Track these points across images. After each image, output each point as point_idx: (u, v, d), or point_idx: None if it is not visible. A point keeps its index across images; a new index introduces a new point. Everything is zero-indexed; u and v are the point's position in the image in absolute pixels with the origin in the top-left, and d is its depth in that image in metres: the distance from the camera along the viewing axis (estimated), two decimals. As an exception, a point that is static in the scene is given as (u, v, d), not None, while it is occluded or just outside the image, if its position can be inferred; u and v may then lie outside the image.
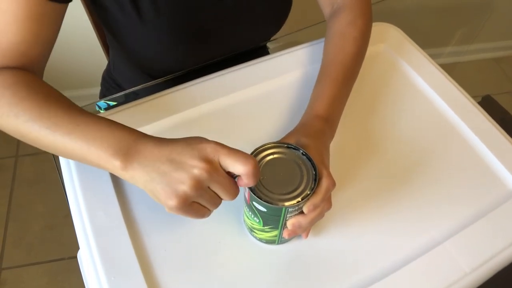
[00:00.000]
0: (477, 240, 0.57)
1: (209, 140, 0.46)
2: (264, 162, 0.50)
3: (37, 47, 0.57)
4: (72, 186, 0.59)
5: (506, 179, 0.64)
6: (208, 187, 0.46)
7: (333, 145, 0.59)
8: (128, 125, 0.51)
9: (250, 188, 0.48)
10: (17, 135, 0.53)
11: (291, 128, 0.60)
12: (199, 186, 0.44)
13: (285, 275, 0.55)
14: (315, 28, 0.85)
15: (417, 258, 0.55)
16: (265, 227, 0.52)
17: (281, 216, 0.49)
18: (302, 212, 0.50)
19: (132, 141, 0.48)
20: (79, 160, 0.51)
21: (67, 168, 0.61)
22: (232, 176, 0.47)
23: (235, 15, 0.78)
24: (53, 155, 0.59)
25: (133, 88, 0.82)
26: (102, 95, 1.00)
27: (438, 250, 0.56)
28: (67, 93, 0.54)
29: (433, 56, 0.78)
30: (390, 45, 0.80)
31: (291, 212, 0.49)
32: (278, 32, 0.88)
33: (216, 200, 0.48)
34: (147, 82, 0.81)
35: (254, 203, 0.49)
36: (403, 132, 0.69)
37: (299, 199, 0.48)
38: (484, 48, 2.00)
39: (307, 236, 0.56)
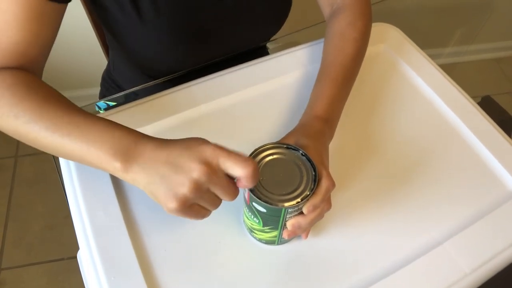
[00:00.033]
0: (477, 241, 0.57)
1: (208, 142, 0.46)
2: (264, 162, 0.50)
3: (36, 47, 0.57)
4: (72, 186, 0.59)
5: (506, 180, 0.64)
6: (208, 189, 0.46)
7: (332, 146, 0.59)
8: (128, 125, 0.51)
9: (250, 189, 0.48)
10: (16, 136, 0.53)
11: (291, 128, 0.60)
12: (199, 188, 0.44)
13: (284, 275, 0.55)
14: (315, 29, 0.85)
15: (417, 259, 0.55)
16: (265, 228, 0.52)
17: (280, 216, 0.49)
18: (301, 213, 0.50)
19: (132, 142, 0.48)
20: (79, 161, 0.51)
21: (67, 168, 0.61)
22: (232, 177, 0.47)
23: (235, 15, 0.78)
24: (53, 155, 0.59)
25: (133, 89, 0.82)
26: (102, 96, 1.00)
27: (438, 250, 0.56)
28: (67, 93, 0.54)
29: (432, 57, 0.78)
30: (390, 45, 0.80)
31: (291, 212, 0.49)
32: (278, 32, 0.88)
33: (216, 201, 0.48)
34: (147, 82, 0.81)
35: (253, 203, 0.49)
36: (402, 132, 0.69)
37: (299, 199, 0.48)
38: (484, 49, 2.00)
39: (306, 236, 0.56)
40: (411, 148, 0.67)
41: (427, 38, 0.99)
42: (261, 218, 0.51)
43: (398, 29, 0.83)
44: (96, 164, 0.49)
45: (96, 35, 1.00)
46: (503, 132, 0.68)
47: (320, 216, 0.52)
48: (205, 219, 0.50)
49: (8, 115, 0.51)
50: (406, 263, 0.55)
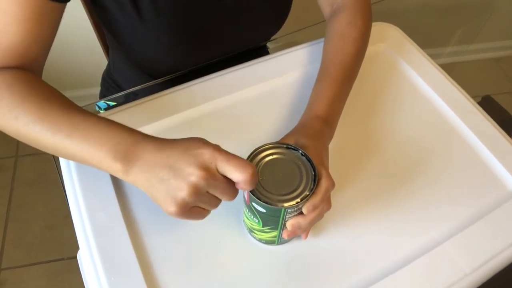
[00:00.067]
0: (477, 241, 0.57)
1: (207, 145, 0.46)
2: (264, 162, 0.50)
3: (36, 46, 0.57)
4: (72, 187, 0.59)
5: (506, 180, 0.64)
6: (207, 192, 0.46)
7: (332, 146, 0.59)
8: (128, 125, 0.51)
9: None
10: (17, 137, 0.53)
11: (291, 128, 0.60)
12: (197, 192, 0.44)
13: (284, 275, 0.55)
14: (315, 28, 0.85)
15: (417, 259, 0.55)
16: (265, 228, 0.52)
17: (280, 217, 0.49)
18: (301, 213, 0.50)
19: (131, 144, 0.48)
20: (81, 162, 0.51)
21: (67, 168, 0.61)
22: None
23: (235, 15, 0.77)
24: (53, 155, 0.59)
25: (133, 88, 0.82)
26: (102, 95, 1.00)
27: (438, 250, 0.56)
28: (67, 93, 0.54)
29: (433, 56, 0.78)
30: (390, 45, 0.80)
31: (291, 213, 0.49)
32: (278, 32, 0.88)
33: (216, 202, 0.48)
34: (147, 82, 0.81)
35: (253, 204, 0.49)
36: (402, 132, 0.69)
37: (298, 200, 0.48)
38: (484, 48, 2.00)
39: (306, 236, 0.56)
40: (411, 148, 0.67)
41: (427, 38, 0.99)
42: (260, 218, 0.51)
43: (398, 29, 0.82)
44: (97, 166, 0.49)
45: (96, 35, 1.00)
46: (503, 132, 0.68)
47: (320, 216, 0.52)
48: (205, 220, 0.50)
49: (9, 116, 0.51)
50: (406, 263, 0.55)
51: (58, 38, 0.60)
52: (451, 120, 0.70)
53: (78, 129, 0.49)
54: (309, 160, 0.50)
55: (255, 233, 0.55)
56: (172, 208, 0.45)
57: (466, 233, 0.57)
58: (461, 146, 0.67)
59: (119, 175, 0.48)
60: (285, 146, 0.51)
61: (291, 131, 0.59)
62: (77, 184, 0.59)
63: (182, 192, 0.44)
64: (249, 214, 0.52)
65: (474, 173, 0.65)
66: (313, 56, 0.76)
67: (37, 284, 1.38)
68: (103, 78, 1.00)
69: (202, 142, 0.46)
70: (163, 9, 0.68)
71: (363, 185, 0.62)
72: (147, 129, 0.64)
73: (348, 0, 0.71)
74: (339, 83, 0.64)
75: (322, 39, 0.73)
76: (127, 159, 0.47)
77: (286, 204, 0.48)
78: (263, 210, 0.49)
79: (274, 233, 0.53)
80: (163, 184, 0.45)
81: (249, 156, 0.50)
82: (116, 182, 0.60)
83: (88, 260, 0.53)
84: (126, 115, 0.67)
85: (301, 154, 0.51)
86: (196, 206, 0.47)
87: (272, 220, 0.50)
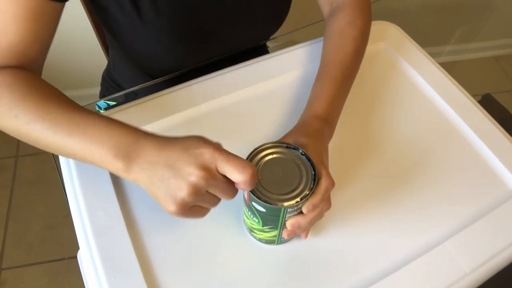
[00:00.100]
0: (477, 240, 0.57)
1: (207, 144, 0.46)
2: (263, 162, 0.50)
3: (35, 46, 0.57)
4: (72, 186, 0.59)
5: (506, 179, 0.64)
6: (206, 191, 0.46)
7: (332, 145, 0.59)
8: (128, 125, 0.51)
9: (249, 189, 0.48)
10: (18, 136, 0.53)
11: (291, 127, 0.60)
12: (197, 192, 0.45)
13: (284, 275, 0.55)
14: (314, 27, 0.85)
15: (417, 258, 0.55)
16: (265, 227, 0.52)
17: (280, 216, 0.49)
18: (301, 212, 0.50)
19: (132, 142, 0.48)
20: (82, 160, 0.51)
21: (67, 167, 0.61)
22: None
23: (235, 15, 0.77)
24: (52, 154, 0.59)
25: (133, 88, 0.82)
26: (102, 95, 1.00)
27: (438, 250, 0.56)
28: (67, 93, 0.54)
29: (433, 55, 0.78)
30: (390, 43, 0.80)
31: (290, 212, 0.49)
32: (278, 31, 0.88)
33: (215, 200, 0.48)
34: (147, 82, 0.81)
35: (253, 203, 0.49)
36: (402, 131, 0.69)
37: (298, 199, 0.48)
38: (484, 47, 2.00)
39: (306, 236, 0.56)
40: (411, 147, 0.67)
41: (427, 37, 0.99)
42: (260, 218, 0.51)
43: (398, 27, 0.82)
44: (99, 164, 0.49)
45: (96, 35, 1.00)
46: (503, 131, 0.68)
47: (319, 215, 0.52)
48: (205, 219, 0.50)
49: (9, 115, 0.51)
50: (406, 263, 0.55)
51: (58, 38, 0.60)
52: (451, 119, 0.70)
53: (79, 127, 0.49)
54: (309, 159, 0.50)
55: (255, 232, 0.55)
56: (172, 207, 0.45)
57: (466, 232, 0.57)
58: (461, 145, 0.67)
59: (120, 173, 0.48)
60: (285, 145, 0.51)
61: (290, 131, 0.58)
62: (77, 183, 0.59)
63: (182, 191, 0.44)
64: (249, 213, 0.52)
65: (474, 172, 0.65)
66: (312, 55, 0.76)
67: (37, 284, 1.38)
68: (103, 78, 1.00)
69: (202, 141, 0.46)
70: (163, 9, 0.68)
71: (362, 185, 0.62)
72: (147, 129, 0.63)
73: (348, -1, 0.71)
74: (338, 82, 0.64)
75: (322, 38, 0.73)
76: (128, 157, 0.47)
77: (286, 204, 0.48)
78: (263, 210, 0.49)
79: (274, 233, 0.53)
80: (163, 182, 0.45)
81: (249, 156, 0.50)
82: (116, 182, 0.60)
83: (88, 259, 0.53)
84: (126, 114, 0.67)
85: (301, 153, 0.51)
86: (196, 205, 0.47)
87: (272, 220, 0.50)
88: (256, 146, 0.51)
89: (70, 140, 0.49)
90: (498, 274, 0.55)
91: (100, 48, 1.03)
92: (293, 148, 0.51)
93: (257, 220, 0.52)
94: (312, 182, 0.49)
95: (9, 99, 0.51)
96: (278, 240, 0.55)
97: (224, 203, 0.49)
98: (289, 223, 0.50)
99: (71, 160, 0.61)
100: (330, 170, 0.53)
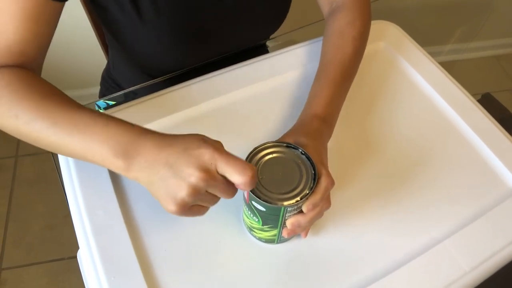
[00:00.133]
0: (477, 239, 0.57)
1: (207, 144, 0.45)
2: (263, 161, 0.50)
3: (35, 46, 0.57)
4: (72, 185, 0.59)
5: (506, 178, 0.64)
6: (206, 191, 0.46)
7: (331, 144, 0.59)
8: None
9: (249, 188, 0.48)
10: (17, 135, 0.53)
11: (291, 127, 0.60)
12: (197, 193, 0.45)
13: (284, 274, 0.55)
14: (314, 27, 0.85)
15: (416, 257, 0.55)
16: (264, 227, 0.52)
17: (280, 215, 0.49)
18: (301, 211, 0.50)
19: (131, 140, 0.48)
20: (83, 159, 0.51)
21: (66, 166, 0.61)
22: None
23: (235, 15, 0.77)
24: (52, 154, 0.59)
25: (133, 88, 0.82)
26: (102, 95, 1.00)
27: (437, 249, 0.56)
28: (67, 93, 0.54)
29: (432, 54, 0.78)
30: (390, 43, 0.80)
31: (290, 211, 0.49)
32: (278, 31, 0.88)
33: (215, 199, 0.48)
34: (146, 82, 0.81)
35: (253, 202, 0.49)
36: (402, 130, 0.69)
37: (298, 198, 0.48)
38: (484, 46, 2.00)
39: (306, 235, 0.56)
40: (411, 147, 0.67)
41: (427, 36, 0.99)
42: (260, 217, 0.51)
43: (397, 27, 0.82)
44: (99, 163, 0.49)
45: (96, 35, 1.00)
46: (503, 130, 0.68)
47: (319, 214, 0.52)
48: (205, 218, 0.50)
49: (8, 115, 0.51)
50: (406, 262, 0.55)
51: (58, 38, 0.60)
52: (451, 118, 0.70)
53: (79, 126, 0.49)
54: (309, 158, 0.50)
55: (254, 231, 0.55)
56: (172, 207, 0.45)
57: (466, 231, 0.57)
58: (461, 144, 0.67)
59: (120, 172, 0.48)
60: (285, 144, 0.51)
61: (290, 130, 0.58)
62: (77, 182, 0.59)
63: (182, 192, 0.44)
64: (249, 212, 0.52)
65: (474, 171, 0.65)
66: (312, 54, 0.76)
67: (37, 284, 1.38)
68: (103, 77, 1.00)
69: (202, 141, 0.46)
70: (163, 9, 0.68)
71: (362, 184, 0.62)
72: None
73: (348, -1, 0.71)
74: (337, 82, 0.64)
75: (321, 38, 0.73)
76: (127, 155, 0.47)
77: (286, 203, 0.48)
78: (263, 209, 0.49)
79: (274, 232, 0.53)
80: (163, 182, 0.45)
81: (249, 155, 0.50)
82: (116, 181, 0.60)
83: (88, 259, 0.53)
84: (126, 114, 0.66)
85: (301, 153, 0.51)
86: (196, 204, 0.47)
87: (272, 219, 0.50)
88: (256, 145, 0.51)
89: (70, 140, 0.49)
90: (498, 273, 0.55)
91: (100, 48, 1.03)
92: (293, 148, 0.51)
93: (257, 219, 0.52)
94: (312, 181, 0.49)
95: (9, 98, 0.51)
96: (278, 239, 0.55)
97: (224, 202, 0.49)
98: (289, 222, 0.50)
99: (70, 159, 0.61)
100: (330, 169, 0.53)
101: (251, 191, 0.48)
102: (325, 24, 0.73)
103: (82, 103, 0.55)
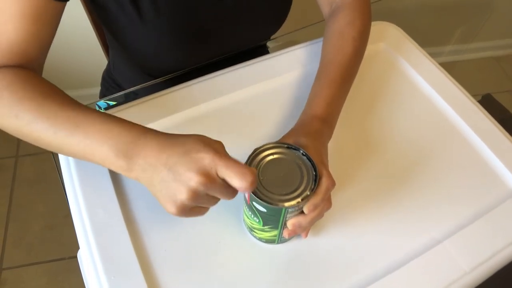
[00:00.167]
0: (477, 239, 0.57)
1: (208, 148, 0.45)
2: (264, 162, 0.50)
3: (36, 46, 0.57)
4: (72, 185, 0.59)
5: (506, 178, 0.64)
6: (206, 194, 0.45)
7: (332, 145, 0.59)
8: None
9: (250, 189, 0.48)
10: (19, 135, 0.53)
11: (291, 127, 0.60)
12: (196, 196, 0.44)
13: (284, 274, 0.55)
14: (314, 27, 0.85)
15: (416, 257, 0.55)
16: (265, 227, 0.52)
17: (281, 216, 0.49)
18: (302, 212, 0.50)
19: (132, 140, 0.48)
20: (84, 159, 0.51)
21: (67, 166, 0.61)
22: None
23: (235, 15, 0.77)
24: (52, 154, 0.59)
25: (133, 88, 0.82)
26: (102, 95, 1.00)
27: (437, 249, 0.56)
28: (67, 93, 0.54)
29: (433, 55, 0.78)
30: (390, 43, 0.80)
31: (291, 212, 0.49)
32: (278, 31, 0.88)
33: (215, 200, 0.48)
34: (147, 82, 0.81)
35: (254, 203, 0.49)
36: (402, 131, 0.69)
37: (299, 199, 0.48)
38: (484, 47, 2.00)
39: (306, 235, 0.56)
40: (411, 147, 0.67)
41: (427, 37, 0.99)
42: (261, 218, 0.51)
43: (398, 27, 0.82)
44: (100, 163, 0.49)
45: (96, 35, 1.00)
46: (503, 130, 0.68)
47: (320, 215, 0.52)
48: (205, 219, 0.50)
49: (9, 115, 0.51)
50: (406, 262, 0.55)
51: (58, 38, 0.60)
52: (451, 118, 0.70)
53: (79, 127, 0.49)
54: (309, 159, 0.50)
55: (255, 232, 0.55)
56: (172, 209, 0.45)
57: (466, 231, 0.57)
58: (461, 145, 0.67)
59: (121, 172, 0.48)
60: (285, 145, 0.51)
61: (290, 131, 0.58)
62: (77, 182, 0.59)
63: (182, 195, 0.44)
64: (250, 213, 0.52)
65: (474, 171, 0.65)
66: (312, 55, 0.76)
67: (37, 284, 1.38)
68: (103, 78, 1.00)
69: (203, 144, 0.46)
70: (163, 9, 0.68)
71: (362, 185, 0.62)
72: (147, 129, 0.64)
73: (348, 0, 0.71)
74: (338, 82, 0.64)
75: (322, 39, 0.73)
76: (128, 156, 0.47)
77: (287, 204, 0.48)
78: (264, 210, 0.49)
79: (274, 232, 0.53)
80: (163, 184, 0.45)
81: (250, 156, 0.50)
82: (116, 180, 0.60)
83: (88, 259, 0.53)
84: (127, 114, 0.66)
85: (302, 154, 0.51)
86: (195, 206, 0.47)
87: (272, 220, 0.50)
88: (257, 146, 0.51)
89: (71, 140, 0.49)
90: (498, 273, 0.55)
91: (100, 48, 1.03)
92: (294, 149, 0.51)
93: (257, 220, 0.52)
94: (313, 182, 0.49)
95: (10, 99, 0.51)
96: (278, 240, 0.55)
97: (224, 202, 0.48)
98: (290, 223, 0.50)
99: (70, 159, 0.61)
100: (330, 170, 0.53)
101: (252, 192, 0.48)
102: (325, 25, 0.73)
103: (83, 103, 0.55)
